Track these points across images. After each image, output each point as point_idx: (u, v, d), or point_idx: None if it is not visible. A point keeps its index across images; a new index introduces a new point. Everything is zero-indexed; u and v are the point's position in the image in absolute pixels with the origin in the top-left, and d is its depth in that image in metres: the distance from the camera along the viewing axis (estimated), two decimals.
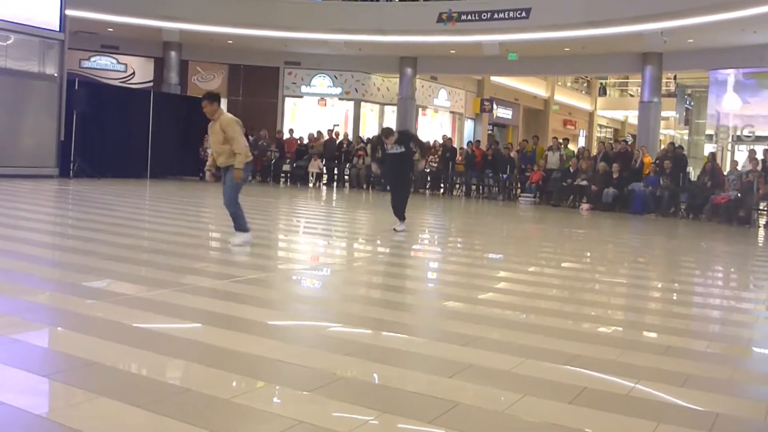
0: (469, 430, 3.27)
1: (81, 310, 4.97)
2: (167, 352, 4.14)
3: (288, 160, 22.13)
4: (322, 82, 25.22)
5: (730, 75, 21.33)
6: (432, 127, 27.81)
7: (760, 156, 17.23)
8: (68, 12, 18.02)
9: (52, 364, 3.92)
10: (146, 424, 3.14)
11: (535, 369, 4.20)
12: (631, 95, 35.82)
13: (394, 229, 10.48)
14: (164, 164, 20.92)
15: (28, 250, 7.55)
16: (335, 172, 22.44)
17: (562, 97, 34.02)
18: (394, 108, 25.49)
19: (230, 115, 8.12)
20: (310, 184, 21.88)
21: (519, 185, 20.52)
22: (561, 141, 20.82)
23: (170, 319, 4.87)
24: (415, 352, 4.51)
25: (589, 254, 10.66)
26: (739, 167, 17.47)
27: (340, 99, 25.59)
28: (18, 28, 17.01)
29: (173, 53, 23.71)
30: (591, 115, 37.00)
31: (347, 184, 22.12)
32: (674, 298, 7.33)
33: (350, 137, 23.30)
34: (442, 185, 21.87)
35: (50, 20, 17.58)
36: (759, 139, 20.85)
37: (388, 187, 12.32)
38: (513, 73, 27.13)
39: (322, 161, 21.96)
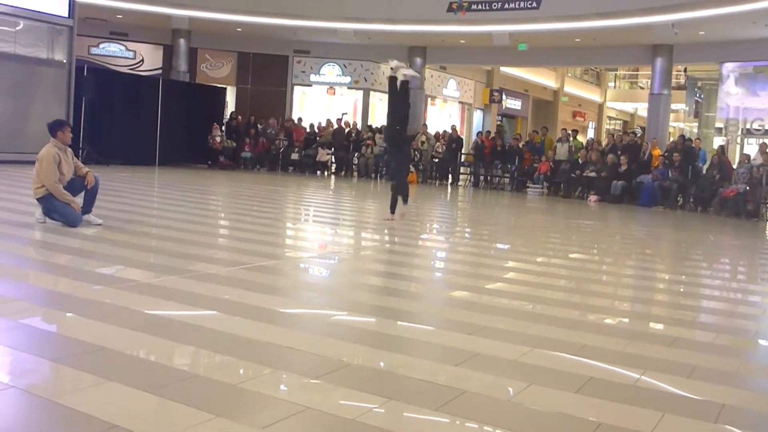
0: (474, 418, 3.28)
1: (90, 296, 4.99)
2: (175, 338, 4.17)
3: (296, 149, 22.14)
4: (331, 71, 25.16)
5: (741, 68, 21.20)
6: (441, 117, 27.76)
7: None
8: None
9: (60, 348, 3.94)
10: (154, 409, 3.16)
11: (542, 358, 4.20)
12: (641, 87, 35.68)
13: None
14: (172, 152, 20.93)
15: (36, 236, 7.59)
16: (344, 161, 22.45)
17: (572, 88, 33.91)
18: None
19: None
20: (318, 173, 21.89)
21: (528, 176, 20.48)
22: (570, 132, 20.77)
23: (179, 306, 4.90)
24: (422, 341, 4.53)
25: (596, 245, 10.65)
26: (751, 160, 17.36)
27: (349, 88, 25.54)
28: (27, 13, 17.02)
29: (182, 41, 23.69)
30: (600, 106, 36.90)
31: (355, 174, 22.13)
32: (681, 290, 7.32)
33: (359, 127, 23.30)
34: (450, 175, 21.90)
35: (59, 6, 17.57)
36: None
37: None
38: (523, 64, 27.01)
39: (330, 150, 21.96)
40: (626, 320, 5.58)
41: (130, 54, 23.94)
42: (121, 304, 4.78)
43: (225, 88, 23.95)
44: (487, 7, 20.02)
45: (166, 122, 20.65)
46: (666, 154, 17.99)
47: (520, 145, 20.85)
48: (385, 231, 9.96)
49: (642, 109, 34.14)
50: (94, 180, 8.22)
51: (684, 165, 17.33)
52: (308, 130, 22.65)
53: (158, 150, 20.53)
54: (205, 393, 3.37)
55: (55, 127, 8.08)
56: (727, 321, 5.79)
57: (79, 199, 8.16)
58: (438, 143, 21.53)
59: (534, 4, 19.34)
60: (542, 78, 31.59)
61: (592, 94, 36.20)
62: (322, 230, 10.36)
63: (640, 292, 7.03)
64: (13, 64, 16.99)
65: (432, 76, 26.43)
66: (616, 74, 37.02)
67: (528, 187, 20.12)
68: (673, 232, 13.32)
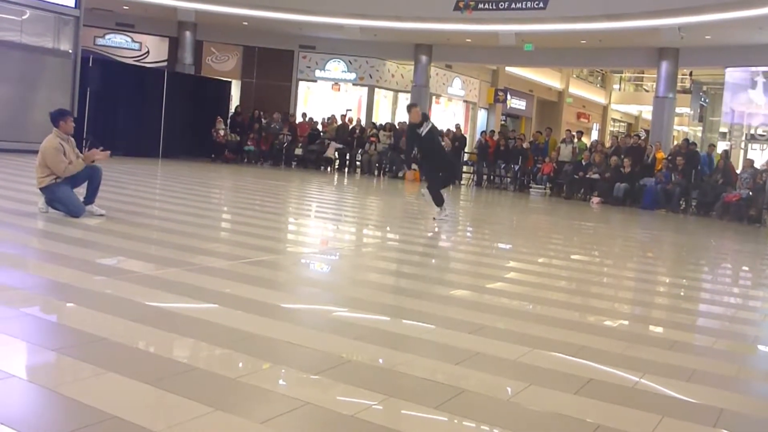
0: (473, 417, 3.28)
1: (90, 287, 4.99)
2: (175, 330, 4.17)
3: (300, 144, 22.14)
4: (336, 67, 25.14)
5: (747, 73, 21.16)
6: (445, 116, 27.73)
7: None
8: None
9: (60, 338, 3.95)
10: (152, 400, 3.16)
11: (541, 359, 4.20)
12: (646, 90, 35.67)
13: (434, 218, 10.86)
14: (176, 144, 20.97)
15: (38, 225, 7.60)
16: (347, 157, 22.45)
17: (577, 89, 33.88)
18: (408, 95, 25.41)
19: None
20: (322, 169, 21.88)
21: (530, 176, 20.49)
22: (574, 134, 20.76)
23: (179, 298, 4.90)
24: (422, 338, 4.52)
25: (598, 247, 10.64)
26: (756, 165, 17.33)
27: (354, 84, 25.52)
28: (34, 3, 17.04)
29: (188, 33, 23.69)
30: (605, 108, 36.87)
31: (358, 170, 22.10)
32: (682, 293, 7.31)
33: (363, 123, 23.30)
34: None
35: None
36: None
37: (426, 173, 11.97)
38: (528, 64, 26.99)
39: (337, 145, 21.95)
40: (626, 323, 5.58)
41: (136, 45, 23.94)
42: (121, 295, 4.78)
43: (230, 82, 23.94)
44: (494, 7, 20.00)
45: (171, 114, 20.68)
46: (670, 157, 17.98)
47: (524, 146, 20.84)
48: (387, 228, 9.96)
49: (646, 112, 34.15)
50: (99, 168, 8.26)
51: (687, 169, 17.32)
52: (312, 125, 22.67)
53: (162, 142, 20.55)
54: (204, 386, 3.36)
55: (57, 117, 8.08)
56: (727, 325, 5.78)
57: (82, 191, 8.17)
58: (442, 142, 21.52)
59: (541, 4, 19.31)
60: (547, 79, 31.55)
61: (596, 96, 36.17)
62: (324, 226, 10.36)
63: (641, 295, 7.03)
64: (19, 53, 17.00)
65: (437, 75, 26.41)
66: (621, 76, 37.01)
67: (530, 187, 20.13)
68: (674, 235, 13.32)
